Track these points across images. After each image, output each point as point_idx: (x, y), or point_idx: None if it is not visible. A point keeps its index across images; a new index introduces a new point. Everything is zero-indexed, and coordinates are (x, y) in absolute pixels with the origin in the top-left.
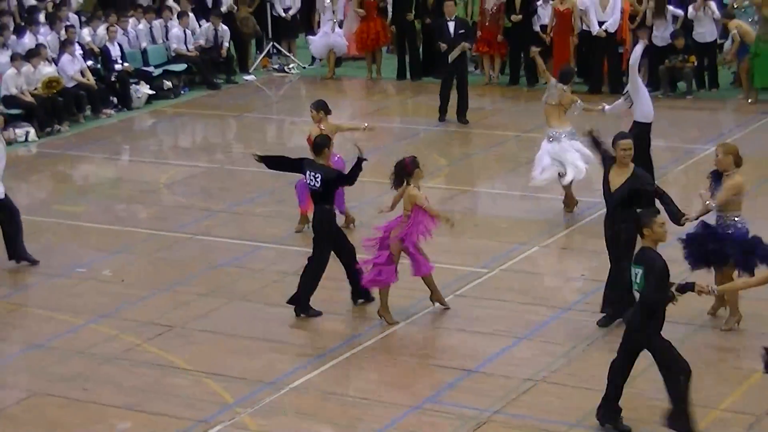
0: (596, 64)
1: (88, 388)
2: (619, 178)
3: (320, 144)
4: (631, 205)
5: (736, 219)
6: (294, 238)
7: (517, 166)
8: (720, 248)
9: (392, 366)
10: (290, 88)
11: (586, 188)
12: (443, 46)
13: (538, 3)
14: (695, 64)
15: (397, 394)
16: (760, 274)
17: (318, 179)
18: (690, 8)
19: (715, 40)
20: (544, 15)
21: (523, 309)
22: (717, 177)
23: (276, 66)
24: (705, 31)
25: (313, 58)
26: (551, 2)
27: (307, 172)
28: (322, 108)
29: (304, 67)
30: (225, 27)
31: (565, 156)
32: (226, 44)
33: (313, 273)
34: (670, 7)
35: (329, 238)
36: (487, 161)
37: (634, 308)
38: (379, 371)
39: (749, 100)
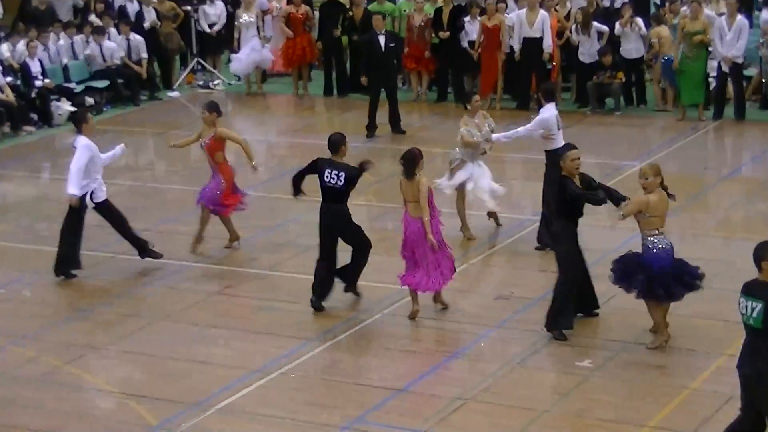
0: (524, 80)
1: (10, 411)
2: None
3: (337, 141)
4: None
5: (657, 237)
6: (219, 257)
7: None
8: (647, 282)
9: (320, 386)
10: None
11: (516, 205)
12: (364, 80)
13: (466, 19)
14: (623, 80)
15: (325, 415)
16: None
17: (341, 177)
18: (617, 24)
19: (642, 56)
20: (472, 31)
21: (452, 327)
22: None
23: (201, 82)
24: (632, 48)
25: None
26: (479, 18)
27: (327, 171)
28: (214, 109)
29: (230, 84)
30: (138, 37)
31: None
32: (144, 55)
33: (362, 256)
34: (596, 23)
35: (354, 231)
36: None
37: (752, 349)
38: (306, 391)
39: (677, 118)
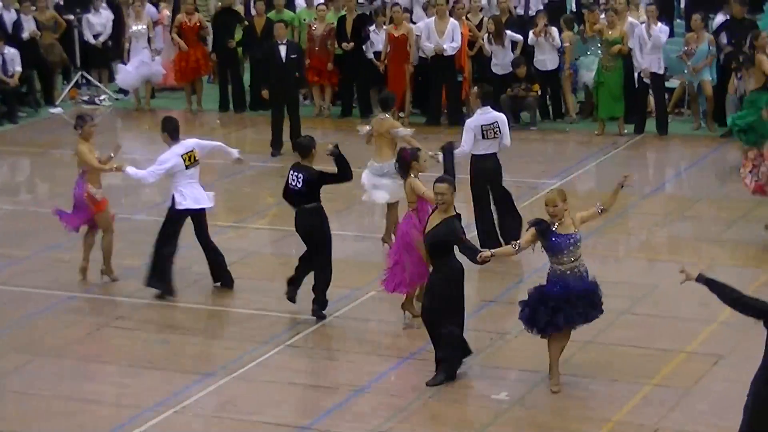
0: (434, 93)
1: None
2: (433, 222)
3: (307, 145)
4: (441, 256)
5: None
6: (107, 286)
7: (351, 204)
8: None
9: (217, 425)
10: (102, 122)
11: None
12: (265, 93)
13: (371, 28)
14: (539, 93)
15: None
16: None
17: (299, 179)
18: (530, 34)
19: (558, 67)
20: (378, 41)
21: (359, 359)
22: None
23: (86, 97)
24: (546, 59)
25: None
26: (385, 27)
27: (289, 174)
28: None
29: (117, 99)
30: (13, 50)
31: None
32: (18, 69)
33: (325, 277)
34: (509, 33)
35: (324, 235)
36: None
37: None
38: (202, 431)
39: (596, 132)
